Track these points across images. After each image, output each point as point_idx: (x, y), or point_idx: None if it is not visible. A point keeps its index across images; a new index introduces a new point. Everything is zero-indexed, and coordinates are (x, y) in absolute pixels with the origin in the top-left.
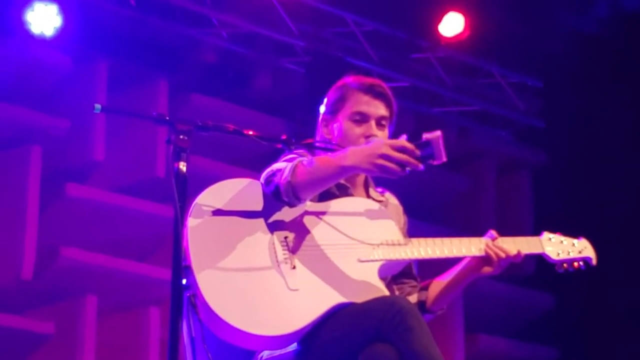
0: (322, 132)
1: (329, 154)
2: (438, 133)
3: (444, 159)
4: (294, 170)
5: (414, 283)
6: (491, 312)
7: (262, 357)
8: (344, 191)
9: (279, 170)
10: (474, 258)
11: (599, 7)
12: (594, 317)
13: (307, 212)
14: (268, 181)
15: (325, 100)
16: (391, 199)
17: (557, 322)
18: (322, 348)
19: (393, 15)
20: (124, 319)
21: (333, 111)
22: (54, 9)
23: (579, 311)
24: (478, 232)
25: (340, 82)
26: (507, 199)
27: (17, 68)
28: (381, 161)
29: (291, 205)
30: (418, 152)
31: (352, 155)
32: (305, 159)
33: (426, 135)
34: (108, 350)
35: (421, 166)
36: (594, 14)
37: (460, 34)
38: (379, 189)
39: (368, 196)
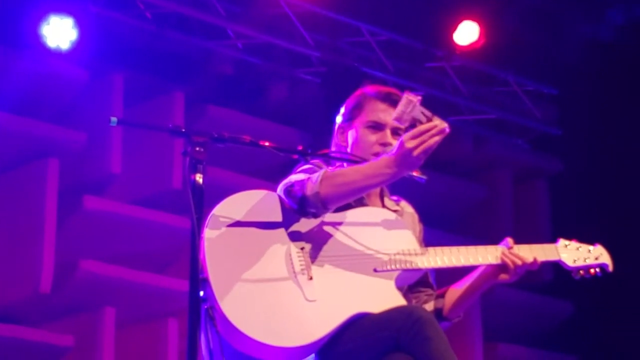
0: (337, 140)
1: (354, 164)
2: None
3: (393, 118)
4: (321, 181)
5: (430, 292)
6: (510, 320)
7: None
8: (359, 201)
9: (299, 181)
10: (490, 265)
11: (615, 15)
12: (614, 324)
13: (323, 223)
14: (289, 192)
15: (343, 108)
16: (407, 207)
17: (577, 330)
18: (340, 359)
19: (408, 24)
20: (142, 331)
21: (349, 119)
22: (69, 22)
23: (598, 318)
24: (495, 241)
25: (358, 91)
26: (524, 208)
27: (34, 82)
28: (418, 153)
29: (316, 216)
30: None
31: (394, 166)
32: (329, 169)
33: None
34: None
35: (447, 129)
36: (609, 21)
37: (475, 42)
38: (394, 198)
39: (383, 205)
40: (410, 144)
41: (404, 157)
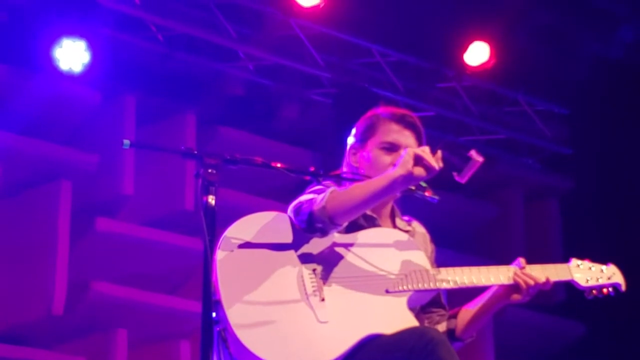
0: (350, 161)
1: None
2: (481, 159)
3: (464, 181)
4: (328, 197)
5: (442, 312)
6: (522, 340)
7: None
8: (371, 222)
9: (307, 200)
10: (503, 286)
11: (624, 33)
12: (626, 344)
13: (335, 244)
14: (298, 212)
15: (355, 129)
16: (418, 227)
17: (589, 351)
18: None
19: (418, 45)
20: (154, 352)
21: (362, 139)
22: (82, 45)
23: (611, 339)
24: (506, 261)
25: (371, 112)
26: (536, 227)
27: (46, 104)
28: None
29: (324, 233)
30: (439, 159)
31: (394, 171)
32: (337, 187)
33: (472, 153)
34: None
35: (436, 168)
36: (619, 39)
37: (486, 62)
38: (406, 218)
39: (394, 226)
40: (411, 151)
41: (404, 160)
